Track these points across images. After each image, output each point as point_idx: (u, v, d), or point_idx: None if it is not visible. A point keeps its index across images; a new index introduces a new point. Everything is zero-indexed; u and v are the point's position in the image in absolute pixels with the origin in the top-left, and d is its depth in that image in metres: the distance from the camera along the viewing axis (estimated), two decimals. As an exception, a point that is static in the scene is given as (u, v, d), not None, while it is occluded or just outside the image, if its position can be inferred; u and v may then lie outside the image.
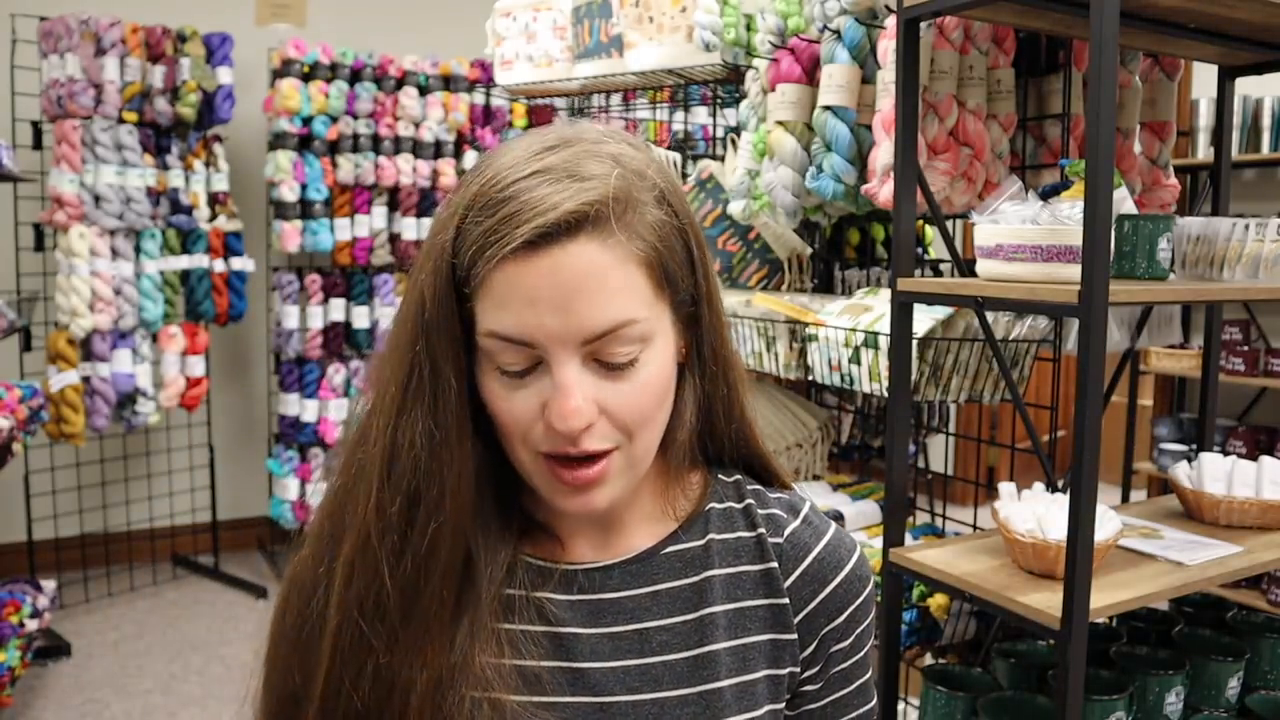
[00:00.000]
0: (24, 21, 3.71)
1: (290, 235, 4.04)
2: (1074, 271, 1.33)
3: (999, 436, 4.51)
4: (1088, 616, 1.33)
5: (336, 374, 4.22)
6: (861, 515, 2.06)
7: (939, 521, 2.14)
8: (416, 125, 4.27)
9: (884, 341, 1.73)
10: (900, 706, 1.78)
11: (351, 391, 4.24)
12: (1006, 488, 1.59)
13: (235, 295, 4.07)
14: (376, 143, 4.18)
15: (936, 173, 1.71)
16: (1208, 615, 1.88)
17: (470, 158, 4.37)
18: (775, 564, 0.80)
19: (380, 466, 0.72)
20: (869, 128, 1.81)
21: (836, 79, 1.83)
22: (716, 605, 0.78)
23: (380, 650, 0.71)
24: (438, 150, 4.33)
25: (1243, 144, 3.55)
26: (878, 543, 1.77)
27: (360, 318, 4.26)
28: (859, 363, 1.81)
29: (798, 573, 0.80)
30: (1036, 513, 1.49)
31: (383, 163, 4.18)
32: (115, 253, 3.70)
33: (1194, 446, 2.29)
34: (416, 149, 4.27)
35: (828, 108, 1.84)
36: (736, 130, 2.25)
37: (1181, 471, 1.79)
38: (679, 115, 3.28)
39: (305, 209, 4.10)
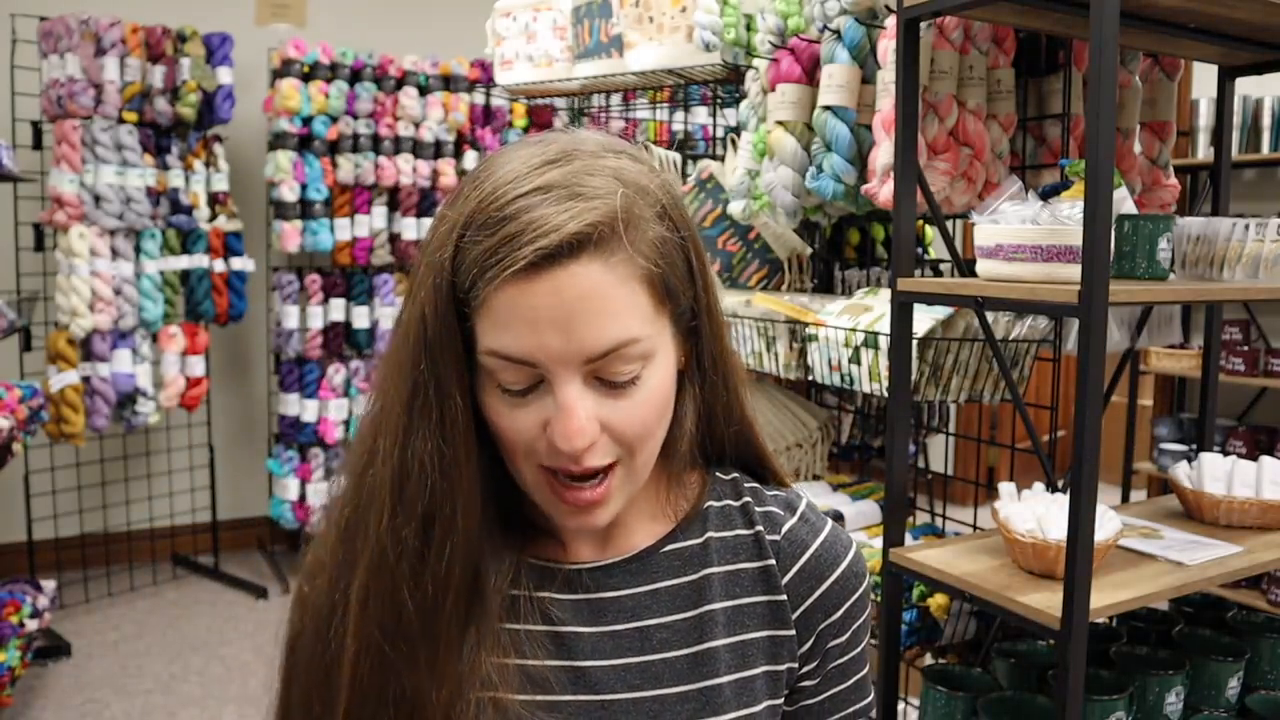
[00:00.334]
0: (24, 21, 3.71)
1: (290, 235, 4.04)
2: (1074, 271, 1.33)
3: (999, 436, 4.51)
4: (1088, 616, 1.33)
5: (336, 374, 4.22)
6: (861, 515, 2.06)
7: (939, 521, 2.14)
8: (416, 125, 4.27)
9: (884, 341, 1.73)
10: (900, 706, 1.78)
11: (352, 391, 4.25)
12: (1006, 488, 1.59)
13: (235, 295, 4.07)
14: (376, 143, 4.18)
15: (936, 173, 1.71)
16: (1208, 615, 1.88)
17: (470, 158, 4.37)
18: (773, 561, 0.81)
19: (391, 489, 0.71)
20: (869, 128, 1.81)
21: (836, 79, 1.83)
22: (715, 602, 0.79)
23: (403, 672, 0.71)
24: (438, 150, 4.33)
25: (1243, 144, 3.55)
26: (878, 543, 1.77)
27: (360, 318, 4.26)
28: (859, 363, 1.81)
29: (795, 569, 0.81)
30: (1036, 513, 1.49)
31: (383, 163, 4.18)
32: (115, 253, 3.70)
33: (1194, 446, 2.29)
34: (416, 149, 4.27)
35: (828, 108, 1.84)
36: (736, 130, 2.25)
37: (1181, 471, 1.79)
38: (679, 115, 3.28)
39: (305, 209, 4.10)
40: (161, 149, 3.85)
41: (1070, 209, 1.37)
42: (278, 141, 4.03)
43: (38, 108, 3.70)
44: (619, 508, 0.74)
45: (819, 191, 1.87)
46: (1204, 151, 3.61)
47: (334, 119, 4.10)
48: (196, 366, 3.98)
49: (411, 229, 4.29)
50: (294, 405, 4.18)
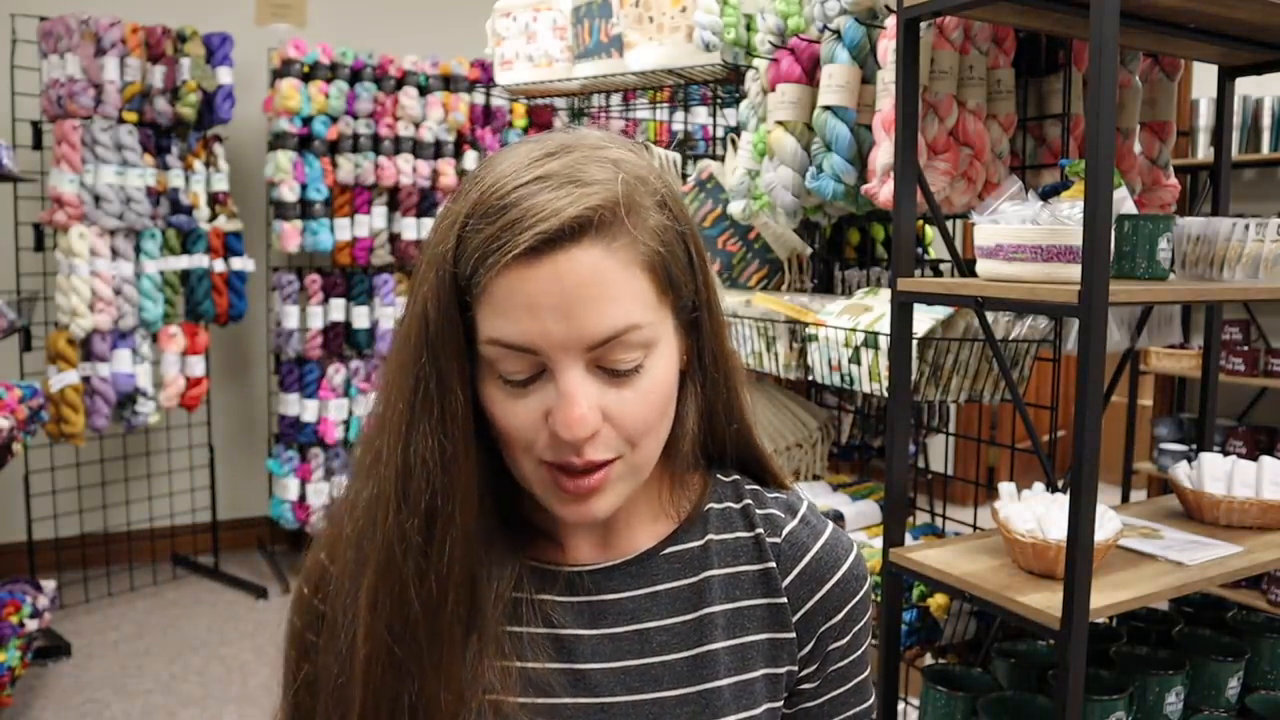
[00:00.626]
0: (24, 21, 3.71)
1: (290, 235, 4.04)
2: (1074, 271, 1.33)
3: (999, 436, 4.51)
4: (1088, 616, 1.33)
5: (336, 374, 4.22)
6: (861, 515, 2.06)
7: (939, 521, 2.14)
8: (416, 125, 4.26)
9: (884, 341, 1.73)
10: (900, 706, 1.78)
11: (352, 391, 4.25)
12: (1006, 488, 1.59)
13: (235, 295, 4.07)
14: (376, 143, 4.18)
15: (936, 173, 1.71)
16: (1208, 615, 1.88)
17: (470, 158, 4.37)
18: (773, 564, 0.80)
19: (396, 487, 0.71)
20: (869, 128, 1.81)
21: (836, 79, 1.83)
22: (715, 605, 0.78)
23: (413, 675, 0.71)
24: (438, 150, 4.33)
25: (1243, 144, 3.55)
26: (878, 543, 1.77)
27: (360, 318, 4.26)
28: (859, 363, 1.81)
29: (795, 572, 0.80)
30: (1036, 513, 1.49)
31: (383, 163, 4.18)
32: (115, 253, 3.70)
33: (1194, 446, 2.29)
34: (416, 149, 4.27)
35: (828, 108, 1.84)
36: (736, 130, 2.25)
37: (1181, 471, 1.79)
38: (679, 115, 3.28)
39: (305, 209, 4.10)
40: (161, 149, 3.85)
41: (1070, 209, 1.37)
42: (278, 141, 4.03)
43: (38, 108, 3.70)
44: (618, 502, 0.73)
45: (819, 191, 1.87)
46: (1204, 151, 3.61)
47: (334, 119, 4.10)
48: (196, 366, 3.98)
49: (411, 229, 4.29)
50: (294, 405, 4.18)
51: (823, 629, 0.81)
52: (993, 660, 1.74)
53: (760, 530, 0.81)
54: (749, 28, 2.12)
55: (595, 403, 0.68)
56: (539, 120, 4.45)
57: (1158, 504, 1.89)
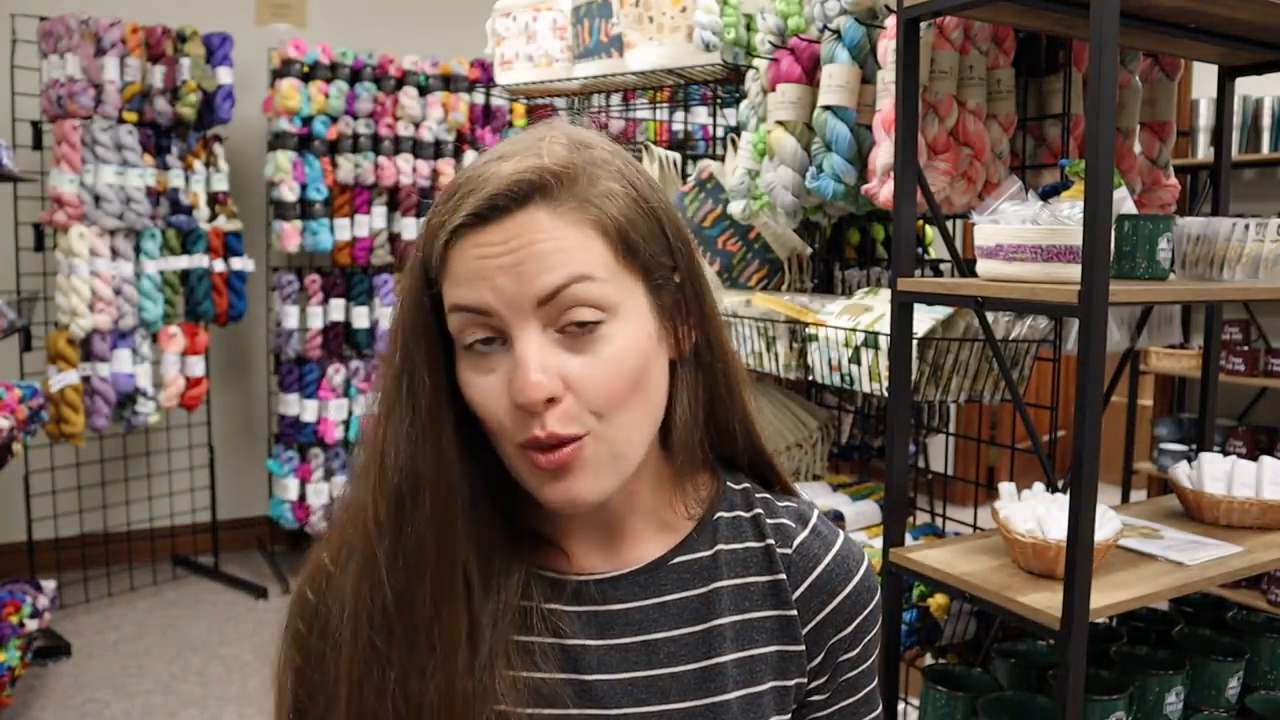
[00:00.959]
0: (24, 21, 3.71)
1: (290, 235, 4.04)
2: (1074, 271, 1.33)
3: (999, 436, 4.51)
4: (1088, 616, 1.33)
5: (336, 374, 4.22)
6: (861, 515, 2.06)
7: (939, 521, 2.14)
8: (416, 125, 4.27)
9: (884, 341, 1.73)
10: (900, 706, 1.78)
11: (352, 391, 4.25)
12: (1006, 488, 1.59)
13: (235, 295, 4.07)
14: (376, 143, 4.18)
15: (936, 173, 1.71)
16: (1208, 615, 1.88)
17: (470, 158, 4.37)
18: (784, 575, 0.79)
19: (375, 474, 0.72)
20: (869, 128, 1.81)
21: (836, 79, 1.83)
22: (724, 617, 0.77)
23: (393, 664, 0.71)
24: (438, 150, 4.33)
25: (1243, 144, 3.55)
26: (878, 543, 1.76)
27: (360, 318, 4.26)
28: (859, 363, 1.81)
29: (806, 584, 0.79)
30: (1036, 513, 1.49)
31: (383, 163, 4.18)
32: (115, 253, 3.70)
33: (1194, 446, 2.29)
34: (416, 149, 4.27)
35: (828, 108, 1.84)
36: (736, 130, 2.25)
37: (1181, 471, 1.79)
38: (679, 115, 3.28)
39: (305, 209, 4.10)
40: (161, 149, 3.85)
41: (1070, 209, 1.37)
42: (277, 141, 4.03)
43: (38, 108, 3.70)
44: (604, 486, 0.70)
45: (819, 191, 1.87)
46: (1204, 151, 3.61)
47: (334, 119, 4.10)
48: (196, 366, 3.98)
49: (411, 229, 4.29)
50: (294, 405, 4.18)
51: (833, 641, 0.80)
52: (993, 660, 1.74)
53: (771, 541, 0.80)
54: (749, 28, 2.12)
55: (554, 369, 0.67)
56: (538, 120, 4.44)
57: (1158, 504, 1.89)
